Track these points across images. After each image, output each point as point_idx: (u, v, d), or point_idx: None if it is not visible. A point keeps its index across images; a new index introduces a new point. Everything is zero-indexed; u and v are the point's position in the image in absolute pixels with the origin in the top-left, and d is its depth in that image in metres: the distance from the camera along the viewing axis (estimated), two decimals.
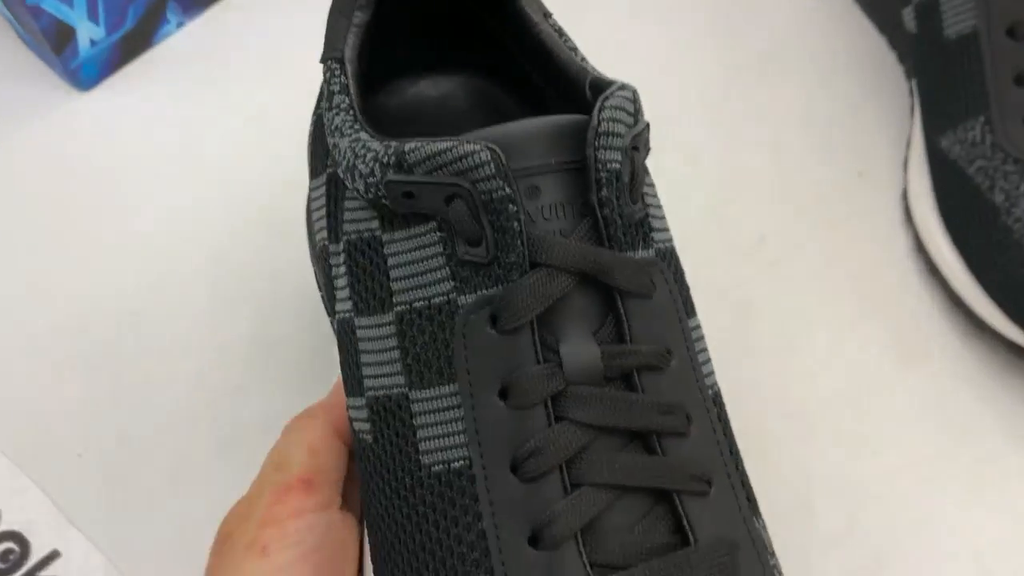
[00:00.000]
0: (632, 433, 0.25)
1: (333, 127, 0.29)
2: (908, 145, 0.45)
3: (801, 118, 0.48)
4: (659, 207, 0.28)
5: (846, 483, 0.39)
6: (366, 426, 0.28)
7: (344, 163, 0.27)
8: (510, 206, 0.24)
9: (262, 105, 0.50)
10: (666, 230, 0.28)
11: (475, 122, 0.34)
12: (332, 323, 0.30)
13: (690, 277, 0.44)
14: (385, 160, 0.26)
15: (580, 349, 0.25)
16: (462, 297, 0.25)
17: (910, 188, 0.45)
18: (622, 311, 0.25)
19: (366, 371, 0.28)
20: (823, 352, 0.42)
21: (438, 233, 0.25)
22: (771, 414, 0.41)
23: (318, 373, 0.39)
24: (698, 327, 0.28)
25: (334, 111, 0.29)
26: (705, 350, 0.28)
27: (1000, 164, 0.39)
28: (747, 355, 0.43)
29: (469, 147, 0.24)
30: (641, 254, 0.26)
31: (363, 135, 0.27)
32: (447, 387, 0.25)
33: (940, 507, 0.38)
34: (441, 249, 0.25)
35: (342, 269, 0.28)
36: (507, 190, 0.24)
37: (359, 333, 0.28)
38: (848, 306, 0.43)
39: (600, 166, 0.25)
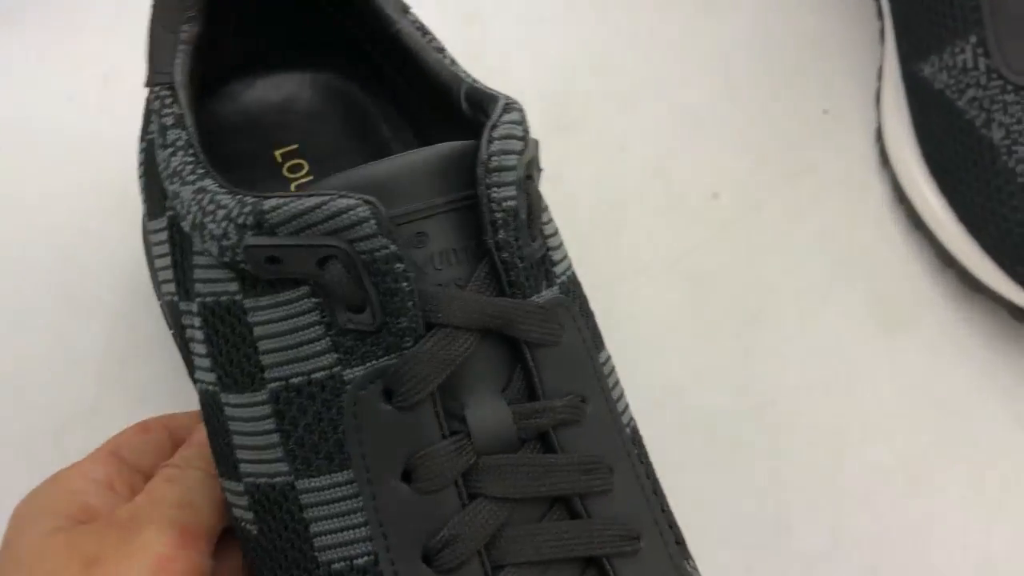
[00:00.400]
0: (554, 498, 0.24)
1: (170, 171, 0.26)
2: (880, 76, 0.39)
3: (753, 50, 0.42)
4: (556, 233, 0.27)
5: (826, 490, 0.34)
6: (248, 515, 0.25)
7: (190, 219, 0.25)
8: (397, 265, 0.22)
9: (115, 69, 0.41)
10: (565, 257, 0.27)
11: (327, 125, 0.33)
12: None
13: (632, 245, 0.37)
14: (241, 221, 0.23)
15: (489, 413, 0.23)
16: (348, 371, 0.23)
17: (885, 127, 0.39)
18: (531, 363, 0.24)
19: (241, 455, 0.25)
20: (792, 328, 0.37)
21: (312, 299, 0.23)
22: (733, 409, 0.35)
23: (186, 390, 0.32)
24: (608, 359, 0.27)
25: (169, 150, 0.27)
26: (618, 383, 0.27)
27: (998, 94, 0.33)
28: (702, 337, 0.36)
29: (344, 202, 0.22)
30: (545, 294, 0.25)
31: (209, 184, 0.25)
32: (340, 474, 0.23)
33: (937, 511, 0.34)
34: (318, 317, 0.23)
35: (199, 334, 0.26)
36: (392, 247, 0.22)
37: (228, 412, 0.25)
38: (819, 272, 0.38)
39: (494, 206, 0.23)
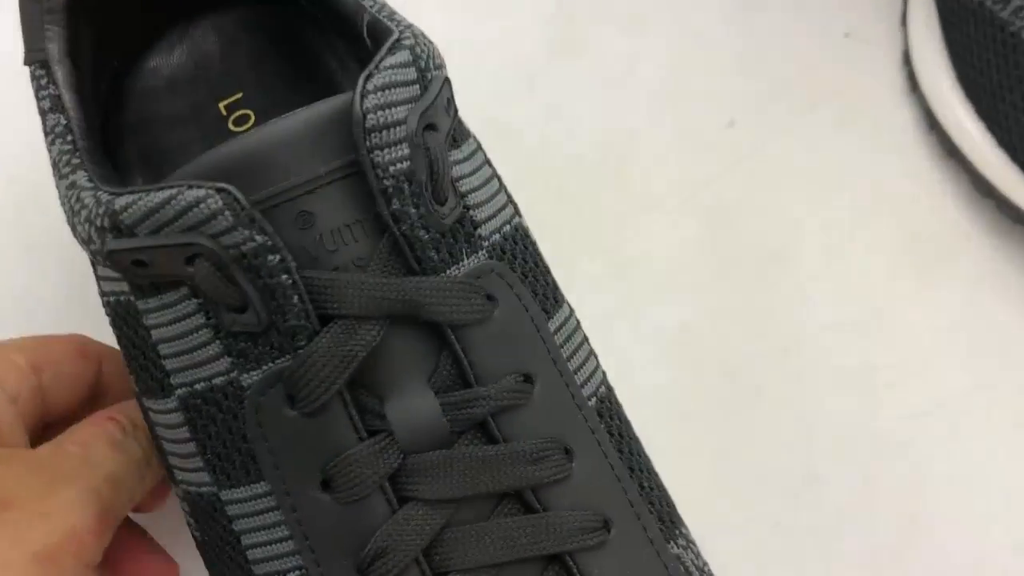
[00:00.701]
0: (502, 494, 0.22)
1: (52, 160, 0.24)
2: None
3: None
4: (487, 183, 0.24)
5: (858, 438, 0.31)
6: (192, 521, 0.24)
7: (67, 218, 0.23)
8: (270, 257, 0.20)
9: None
10: (501, 210, 0.24)
11: (269, 68, 0.31)
12: None
13: (642, 179, 0.34)
14: (99, 223, 0.21)
15: (413, 406, 0.21)
16: (245, 375, 0.21)
17: (913, 49, 0.36)
18: (456, 346, 0.22)
19: (172, 461, 0.24)
20: (816, 266, 0.34)
21: (194, 300, 0.21)
22: (755, 352, 0.32)
23: None
24: (568, 319, 0.24)
25: (49, 138, 0.24)
26: (583, 345, 0.24)
27: None
28: (720, 276, 0.33)
29: (193, 194, 0.20)
30: (468, 264, 0.22)
31: (80, 178, 0.22)
32: (257, 486, 0.22)
33: (979, 456, 0.31)
34: (203, 319, 0.21)
35: (115, 333, 0.24)
36: (259, 238, 0.20)
37: (152, 417, 0.24)
38: (844, 205, 0.35)
39: (380, 172, 0.21)
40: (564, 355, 0.23)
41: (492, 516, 0.22)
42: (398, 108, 0.21)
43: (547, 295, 0.24)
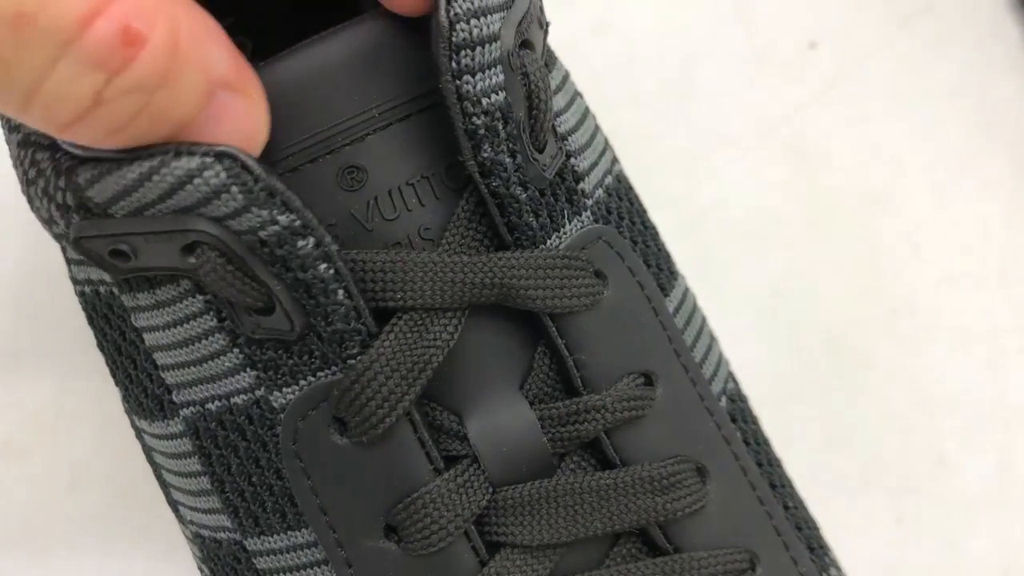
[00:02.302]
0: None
1: None
2: None
3: None
4: (582, 121, 0.18)
5: (988, 411, 0.27)
6: (205, 569, 0.19)
7: (21, 187, 0.17)
8: (300, 243, 0.15)
9: None
10: (601, 157, 0.18)
11: None
12: None
13: (712, 113, 0.28)
14: (60, 199, 0.16)
15: (502, 421, 0.17)
16: (276, 394, 0.16)
17: None
18: (558, 341, 0.17)
19: (177, 496, 0.19)
20: (925, 210, 0.29)
21: (200, 297, 0.16)
22: (860, 316, 0.28)
23: None
24: (684, 297, 0.19)
25: None
26: (703, 328, 0.19)
27: None
28: (813, 227, 0.28)
29: (182, 164, 0.14)
30: (569, 229, 0.17)
31: (34, 134, 0.17)
32: (298, 534, 0.17)
33: None
34: (215, 322, 0.16)
35: (94, 333, 0.19)
36: (282, 219, 0.15)
37: (147, 441, 0.19)
38: (950, 138, 0.30)
39: (470, 105, 0.15)
40: (687, 343, 0.18)
41: (608, 562, 0.17)
42: (492, 17, 0.15)
43: (660, 266, 0.19)
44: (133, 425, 0.19)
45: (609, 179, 0.19)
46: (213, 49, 0.14)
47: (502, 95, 0.16)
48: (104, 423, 0.26)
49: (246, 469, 0.17)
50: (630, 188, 0.19)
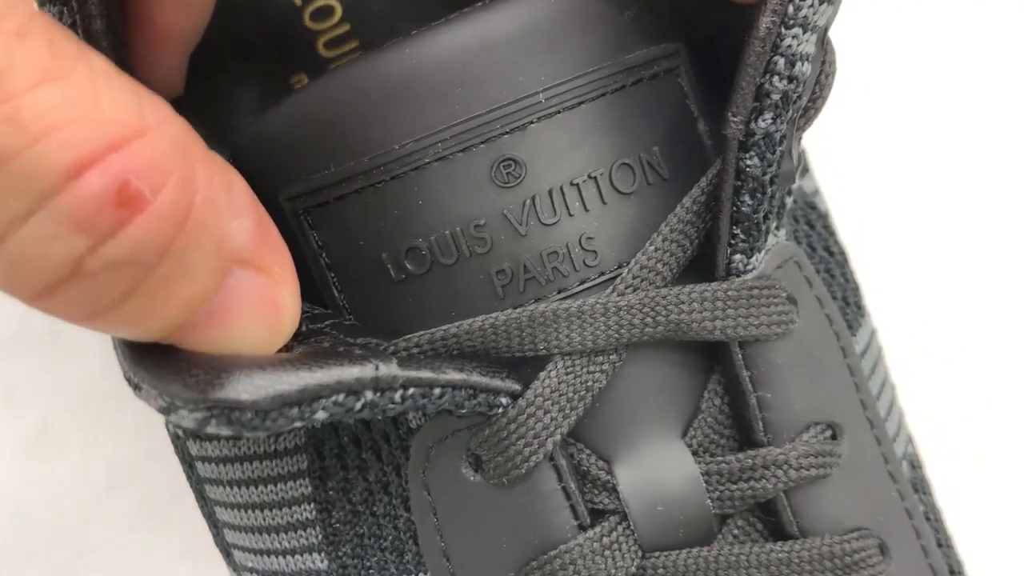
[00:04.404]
0: None
1: None
2: None
3: None
4: None
5: None
6: None
7: None
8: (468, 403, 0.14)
9: None
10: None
11: None
12: None
13: None
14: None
15: (660, 473, 0.14)
16: (412, 413, 0.14)
17: None
18: (743, 371, 0.14)
19: (234, 537, 0.17)
20: None
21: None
22: None
23: None
24: (871, 340, 0.17)
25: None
26: (887, 378, 0.17)
27: None
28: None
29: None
30: (769, 244, 0.14)
31: None
32: None
33: None
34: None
35: None
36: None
37: (204, 471, 0.17)
38: None
39: (779, 63, 0.13)
40: (873, 394, 0.15)
41: None
42: None
43: (848, 299, 0.16)
44: (184, 456, 0.17)
45: (795, 183, 0.16)
46: (234, 219, 0.12)
47: (808, 68, 0.13)
48: (147, 419, 0.24)
49: (372, 494, 0.15)
50: (812, 207, 0.17)
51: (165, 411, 0.11)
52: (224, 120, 0.21)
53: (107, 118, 0.10)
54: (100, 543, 0.23)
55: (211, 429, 0.11)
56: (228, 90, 0.21)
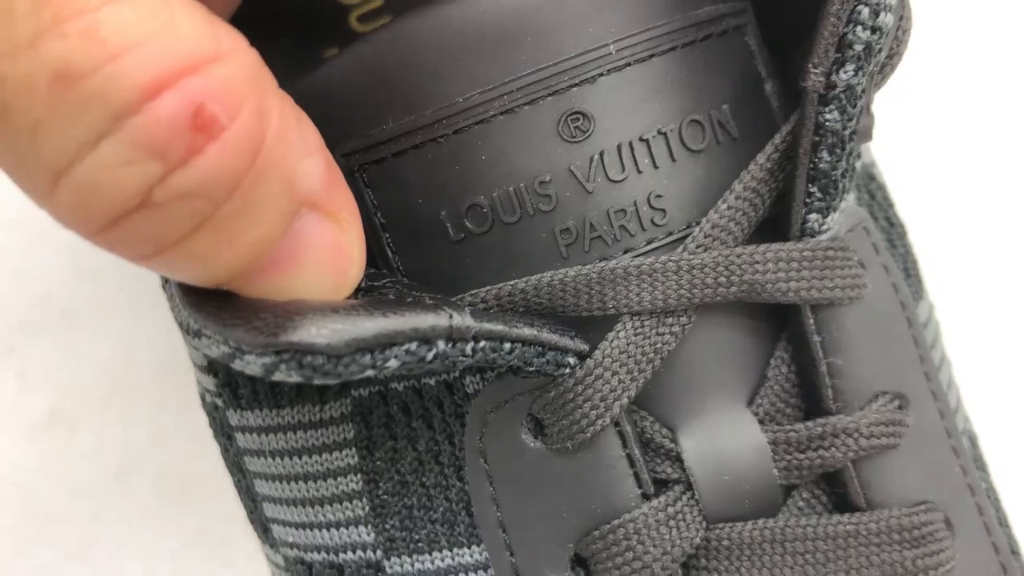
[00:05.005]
0: None
1: None
2: None
3: None
4: None
5: None
6: None
7: None
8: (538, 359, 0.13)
9: None
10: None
11: None
12: None
13: None
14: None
15: (726, 442, 0.14)
16: (468, 378, 0.14)
17: None
18: (814, 336, 0.14)
19: (273, 510, 0.16)
20: None
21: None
22: None
23: None
24: (931, 312, 0.16)
25: None
26: (945, 354, 0.16)
27: None
28: None
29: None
30: (845, 206, 0.14)
31: None
32: (466, 552, 0.14)
33: None
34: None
35: None
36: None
37: (247, 443, 0.16)
38: None
39: (863, 11, 0.13)
40: (935, 365, 0.15)
41: None
42: None
43: (909, 271, 0.16)
44: (222, 428, 0.16)
45: (861, 147, 0.16)
46: (304, 157, 0.11)
47: (891, 19, 0.13)
48: (162, 405, 0.23)
49: (422, 464, 0.14)
50: (871, 177, 0.16)
51: (230, 357, 0.11)
52: None
53: (184, 39, 0.10)
54: (111, 528, 0.22)
55: (279, 375, 0.11)
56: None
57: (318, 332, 0.10)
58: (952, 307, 0.22)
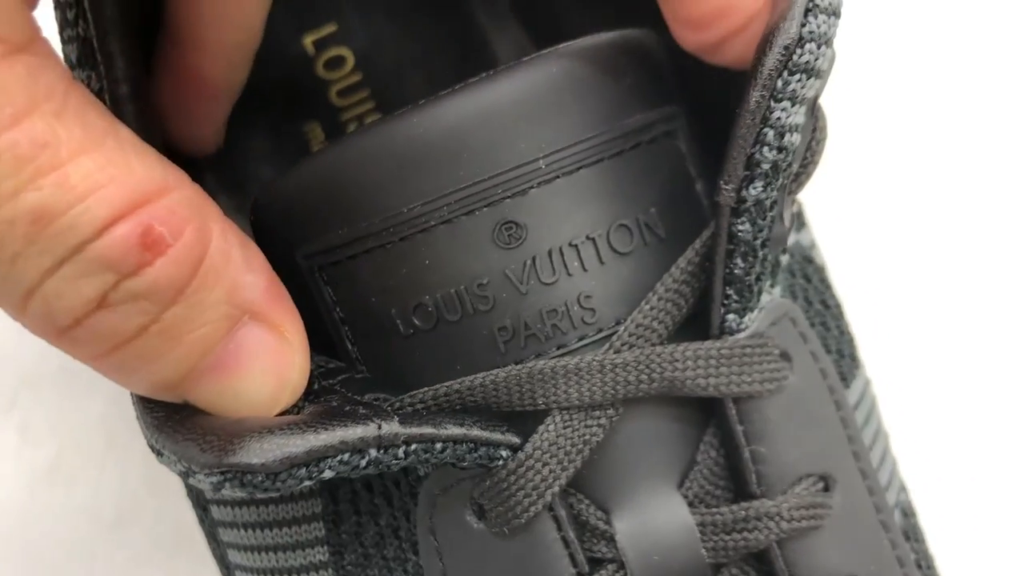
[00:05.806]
0: None
1: None
2: None
3: None
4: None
5: None
6: None
7: None
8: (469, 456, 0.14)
9: None
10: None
11: None
12: None
13: None
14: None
15: (654, 523, 0.14)
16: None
17: None
18: (736, 426, 0.15)
19: (235, 557, 0.17)
20: None
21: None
22: None
23: None
24: (865, 390, 0.17)
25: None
26: (881, 427, 0.17)
27: None
28: None
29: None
30: (764, 302, 0.15)
31: None
32: None
33: None
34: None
35: None
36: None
37: (218, 515, 0.17)
38: None
39: (769, 134, 0.14)
40: (866, 445, 0.16)
41: None
42: (828, 51, 0.14)
43: (843, 351, 0.17)
44: (198, 500, 0.17)
45: (793, 236, 0.17)
46: (247, 273, 0.13)
47: (797, 138, 0.14)
48: (155, 459, 0.24)
49: (383, 538, 0.15)
50: (809, 261, 0.17)
51: (184, 475, 0.12)
52: (238, 168, 0.22)
53: (139, 179, 0.12)
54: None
55: (226, 492, 0.12)
56: (242, 138, 0.22)
57: (254, 453, 0.12)
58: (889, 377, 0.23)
